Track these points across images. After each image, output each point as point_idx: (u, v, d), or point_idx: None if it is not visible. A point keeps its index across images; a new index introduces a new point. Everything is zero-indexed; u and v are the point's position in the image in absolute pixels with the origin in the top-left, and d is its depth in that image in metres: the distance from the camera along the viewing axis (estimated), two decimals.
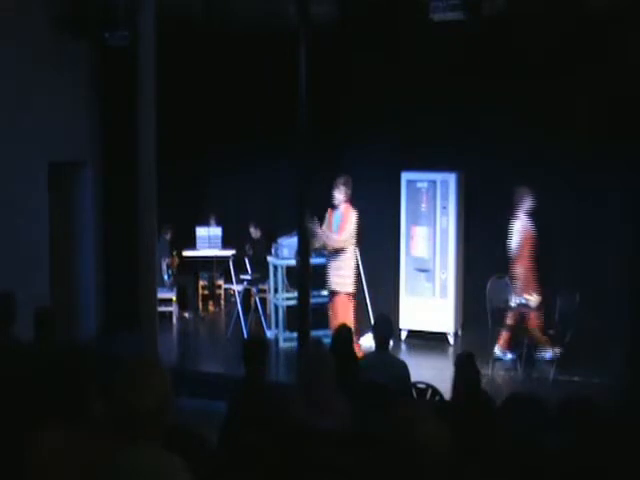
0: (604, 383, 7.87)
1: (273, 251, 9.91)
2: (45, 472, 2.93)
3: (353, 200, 10.07)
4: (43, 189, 9.13)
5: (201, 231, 11.32)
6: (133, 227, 6.00)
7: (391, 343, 6.01)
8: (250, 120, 10.40)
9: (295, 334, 8.85)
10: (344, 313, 8.57)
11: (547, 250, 9.21)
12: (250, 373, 5.00)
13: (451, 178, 9.45)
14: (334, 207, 8.78)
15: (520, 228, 8.52)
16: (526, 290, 8.43)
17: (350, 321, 8.43)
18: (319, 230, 8.57)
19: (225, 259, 10.96)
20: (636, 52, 8.32)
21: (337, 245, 8.60)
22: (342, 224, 8.63)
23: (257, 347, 5.09)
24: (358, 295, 10.06)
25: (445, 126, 9.45)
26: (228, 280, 11.09)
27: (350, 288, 8.71)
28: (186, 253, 11.30)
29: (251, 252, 10.82)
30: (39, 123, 8.90)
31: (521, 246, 8.48)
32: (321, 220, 8.85)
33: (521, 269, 8.49)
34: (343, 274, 8.64)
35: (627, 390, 7.73)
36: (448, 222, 9.49)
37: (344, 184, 8.68)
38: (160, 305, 8.88)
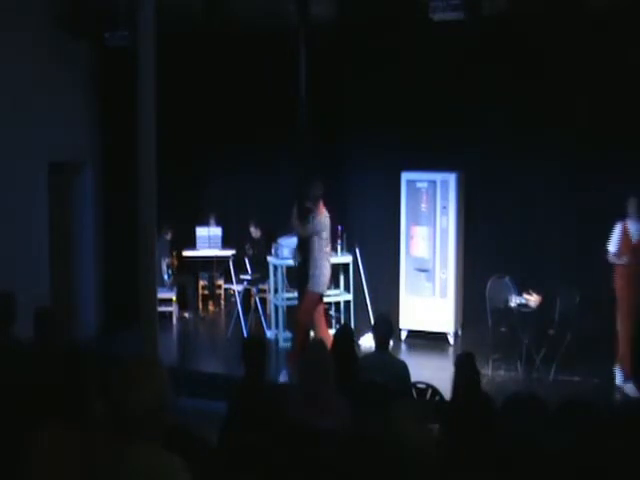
0: (604, 383, 7.87)
1: (273, 251, 9.91)
2: (45, 472, 2.93)
3: (350, 200, 10.14)
4: (43, 189, 9.13)
5: (201, 231, 11.32)
6: (133, 227, 5.99)
7: (391, 343, 6.01)
8: (250, 120, 10.40)
9: None
10: (306, 310, 8.39)
11: (547, 250, 9.24)
12: (249, 373, 5.00)
13: (451, 178, 9.44)
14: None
15: (620, 233, 7.95)
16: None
17: (308, 320, 8.37)
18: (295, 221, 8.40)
19: (225, 259, 10.96)
20: (636, 52, 8.33)
21: (300, 234, 8.37)
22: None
23: (256, 347, 5.09)
24: (358, 295, 10.10)
25: (445, 126, 9.45)
26: (228, 280, 11.08)
27: (315, 288, 8.36)
28: (186, 253, 11.30)
29: (251, 252, 10.82)
30: (39, 123, 8.90)
31: (620, 251, 7.90)
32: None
33: (618, 274, 7.96)
34: (312, 273, 8.35)
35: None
36: (448, 222, 9.48)
37: (314, 188, 8.35)
38: (160, 305, 8.88)
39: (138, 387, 2.57)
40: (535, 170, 9.25)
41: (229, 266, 10.58)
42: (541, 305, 8.46)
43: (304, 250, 8.47)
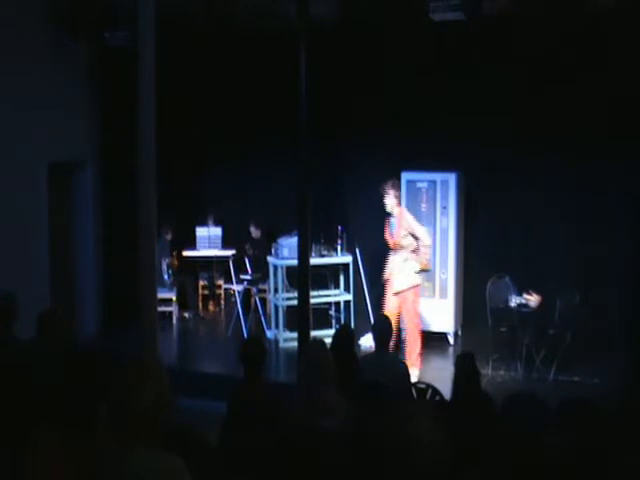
0: (604, 383, 7.87)
1: (273, 251, 9.91)
2: (45, 473, 2.93)
3: (350, 200, 10.14)
4: (43, 189, 9.13)
5: (201, 231, 11.32)
6: (133, 227, 5.98)
7: (391, 343, 6.01)
8: (250, 120, 10.41)
9: (295, 334, 8.85)
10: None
11: (547, 250, 9.24)
12: (248, 374, 5.00)
13: (451, 178, 9.44)
14: (389, 215, 8.52)
15: None
16: None
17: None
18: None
19: (225, 259, 10.96)
20: (637, 52, 8.33)
21: (427, 242, 8.45)
22: (397, 230, 8.41)
23: (255, 348, 5.09)
24: (358, 295, 10.09)
25: (445, 126, 9.45)
26: (228, 280, 11.08)
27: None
28: (186, 253, 11.30)
29: (251, 252, 10.82)
30: (39, 123, 8.90)
31: None
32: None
33: None
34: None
35: (627, 390, 7.73)
36: (448, 222, 9.48)
37: (392, 187, 8.42)
38: (160, 305, 8.87)
39: (138, 388, 2.57)
40: (535, 170, 9.25)
41: (229, 266, 10.57)
42: (541, 305, 8.46)
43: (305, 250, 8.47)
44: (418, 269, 8.47)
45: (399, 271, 8.46)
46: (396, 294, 8.47)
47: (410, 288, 8.42)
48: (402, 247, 8.39)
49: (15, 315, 5.59)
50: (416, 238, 8.38)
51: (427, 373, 8.20)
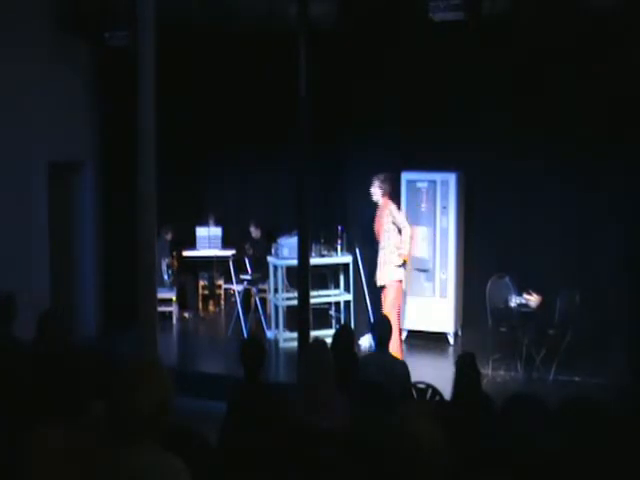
0: (604, 383, 7.87)
1: (273, 251, 9.91)
2: (45, 472, 2.93)
3: (350, 200, 10.12)
4: (43, 189, 9.13)
5: (201, 231, 11.32)
6: (133, 227, 5.98)
7: (391, 343, 6.00)
8: (250, 120, 10.40)
9: (295, 334, 8.86)
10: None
11: (547, 250, 9.24)
12: (248, 374, 5.00)
13: (451, 178, 9.44)
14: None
15: None
16: None
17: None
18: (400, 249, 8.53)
19: (225, 259, 10.95)
20: (637, 52, 8.33)
21: (407, 239, 8.56)
22: (379, 220, 8.57)
23: (254, 348, 5.09)
24: (358, 295, 10.09)
25: (445, 126, 9.44)
26: (228, 280, 11.08)
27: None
28: (186, 253, 11.30)
29: (251, 252, 10.81)
30: (39, 123, 8.90)
31: None
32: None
33: None
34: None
35: (627, 390, 7.73)
36: (448, 222, 9.48)
37: (377, 178, 8.63)
38: (160, 305, 8.87)
39: (138, 388, 2.57)
40: (535, 170, 9.25)
41: (229, 266, 10.57)
42: (541, 305, 8.46)
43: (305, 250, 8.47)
44: (400, 262, 8.55)
45: (382, 264, 8.54)
46: (380, 288, 8.55)
47: (392, 282, 8.47)
48: (384, 238, 8.49)
49: (15, 315, 5.59)
50: (400, 231, 8.45)
51: (427, 373, 8.19)
